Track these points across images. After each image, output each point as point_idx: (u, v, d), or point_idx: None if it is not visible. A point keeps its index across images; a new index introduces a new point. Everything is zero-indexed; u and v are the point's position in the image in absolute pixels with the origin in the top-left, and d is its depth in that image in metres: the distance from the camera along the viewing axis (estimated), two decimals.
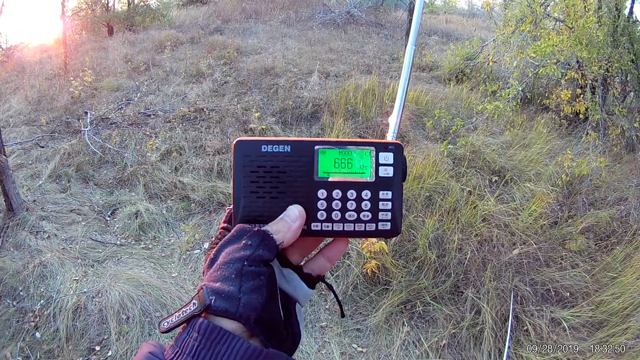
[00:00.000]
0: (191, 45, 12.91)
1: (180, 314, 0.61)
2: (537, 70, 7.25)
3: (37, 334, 4.23)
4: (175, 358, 0.57)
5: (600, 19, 7.29)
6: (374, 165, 0.75)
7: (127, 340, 4.15)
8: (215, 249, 0.68)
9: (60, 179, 6.99)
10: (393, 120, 0.86)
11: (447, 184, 6.02)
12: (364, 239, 4.63)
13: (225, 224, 0.78)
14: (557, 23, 8.24)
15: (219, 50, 11.68)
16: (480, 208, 5.69)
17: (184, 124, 8.23)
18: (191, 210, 6.31)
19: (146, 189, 6.67)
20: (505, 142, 7.36)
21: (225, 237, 0.69)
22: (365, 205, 0.74)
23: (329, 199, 0.74)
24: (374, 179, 0.75)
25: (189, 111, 8.54)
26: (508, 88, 6.86)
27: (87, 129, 8.00)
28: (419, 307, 4.72)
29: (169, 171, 6.98)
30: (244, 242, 0.66)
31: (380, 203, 0.75)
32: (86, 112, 8.72)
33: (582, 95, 7.55)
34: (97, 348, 4.13)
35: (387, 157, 0.75)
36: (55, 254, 5.23)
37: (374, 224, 0.75)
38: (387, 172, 0.75)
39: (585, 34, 6.90)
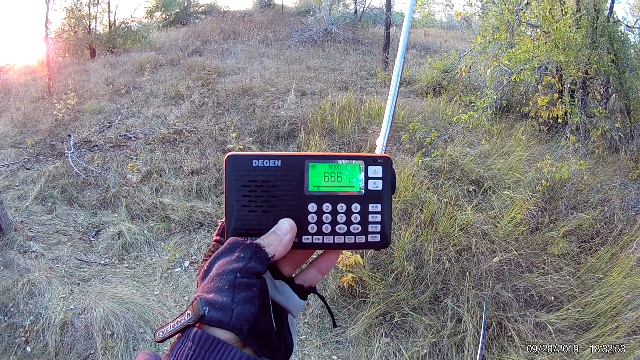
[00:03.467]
0: (171, 67, 13.68)
1: (175, 324, 0.68)
2: (511, 77, 7.58)
3: (28, 348, 4.64)
4: None
5: (578, 21, 7.72)
6: (363, 179, 0.82)
7: (112, 355, 4.58)
8: (208, 261, 0.76)
9: (46, 200, 7.54)
10: (382, 133, 0.92)
11: (424, 196, 6.42)
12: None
13: (218, 237, 0.85)
14: (533, 29, 8.66)
15: (198, 72, 12.37)
16: (459, 218, 6.08)
17: (164, 146, 8.82)
18: (171, 230, 6.82)
19: (128, 210, 7.20)
20: (484, 152, 7.80)
21: (219, 250, 0.76)
22: (355, 218, 0.81)
23: (320, 213, 0.81)
24: (363, 192, 0.82)
25: (169, 133, 9.15)
26: (483, 97, 7.26)
27: (71, 151, 8.57)
28: (397, 318, 5.08)
29: (150, 192, 7.51)
30: (236, 254, 0.72)
31: (370, 216, 0.81)
32: (69, 135, 9.30)
33: (560, 100, 7.90)
34: None
35: (376, 171, 0.82)
36: (43, 272, 5.70)
37: (364, 236, 0.81)
38: (376, 185, 0.82)
39: (562, 37, 7.30)
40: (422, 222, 5.99)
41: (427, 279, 5.35)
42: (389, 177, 0.82)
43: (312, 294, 0.87)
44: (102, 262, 6.24)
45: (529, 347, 4.74)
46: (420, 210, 6.20)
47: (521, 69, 7.25)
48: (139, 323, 4.95)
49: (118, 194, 7.47)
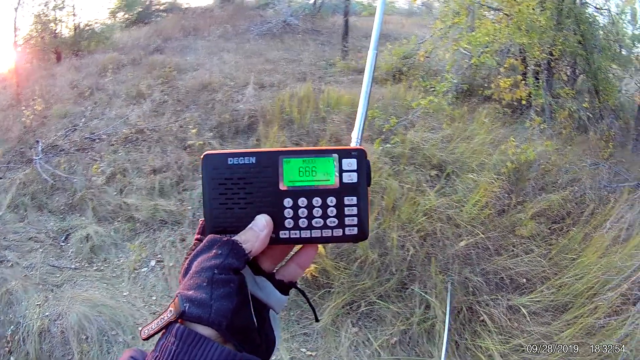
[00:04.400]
0: (133, 66, 13.76)
1: (158, 321, 0.71)
2: (471, 61, 7.64)
3: (12, 358, 4.82)
4: None
5: (543, 3, 7.92)
6: (337, 172, 0.84)
7: (89, 359, 4.79)
8: (188, 259, 0.78)
9: (18, 208, 7.72)
10: (356, 126, 0.95)
11: (385, 183, 6.56)
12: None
13: (199, 236, 0.87)
14: (495, 12, 8.77)
15: (159, 70, 12.55)
16: (422, 203, 6.22)
17: (127, 146, 9.00)
18: (136, 230, 7.02)
19: (94, 213, 7.37)
20: (446, 136, 7.98)
21: (197, 248, 0.78)
22: (331, 211, 0.83)
23: (295, 207, 0.83)
24: (338, 186, 0.84)
25: (131, 132, 9.34)
26: (443, 82, 7.36)
27: (39, 157, 8.76)
28: (364, 307, 5.19)
29: (115, 193, 7.70)
30: (214, 251, 0.75)
31: (346, 209, 0.84)
32: (37, 141, 9.44)
33: (523, 82, 8.01)
34: None
35: (350, 164, 0.84)
36: (19, 281, 5.86)
37: (341, 229, 0.84)
38: (351, 178, 0.84)
39: (525, 19, 7.46)
40: (383, 209, 6.11)
41: (392, 266, 5.45)
42: (364, 169, 0.84)
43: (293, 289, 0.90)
44: (73, 266, 6.48)
45: (503, 330, 4.82)
46: (382, 197, 6.30)
47: (482, 52, 7.30)
48: (110, 326, 5.16)
49: (84, 197, 7.66)
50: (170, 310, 0.71)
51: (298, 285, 0.91)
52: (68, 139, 9.57)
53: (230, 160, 0.84)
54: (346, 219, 0.84)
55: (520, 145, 6.91)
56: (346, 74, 11.87)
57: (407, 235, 5.73)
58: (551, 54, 8.20)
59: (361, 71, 11.53)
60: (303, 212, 0.83)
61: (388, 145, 7.23)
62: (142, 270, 6.27)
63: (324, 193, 0.84)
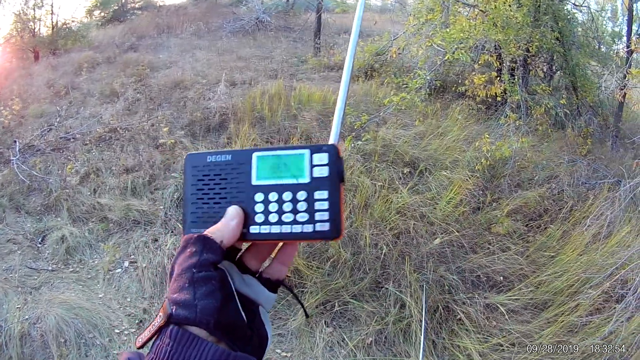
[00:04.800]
0: (107, 65, 13.83)
1: (151, 328, 0.73)
2: (445, 57, 7.64)
3: None
4: None
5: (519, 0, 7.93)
6: (308, 167, 0.84)
7: None
8: (171, 264, 0.79)
9: None
10: (333, 125, 0.93)
11: (357, 181, 6.54)
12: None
13: None
14: (470, 9, 8.79)
15: (132, 68, 12.60)
16: (394, 201, 6.23)
17: (100, 145, 8.98)
18: (110, 230, 6.97)
19: (69, 213, 7.32)
20: (418, 133, 8.06)
21: (177, 251, 0.79)
22: (302, 206, 0.83)
23: (266, 202, 0.84)
24: (309, 180, 0.83)
25: (104, 132, 9.33)
26: (415, 79, 7.38)
27: (16, 157, 8.72)
28: (338, 307, 5.17)
29: (89, 193, 7.65)
30: (189, 250, 0.76)
31: (317, 203, 0.82)
32: (15, 141, 9.39)
33: (498, 78, 8.03)
34: None
35: (321, 158, 0.83)
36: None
37: (312, 225, 0.82)
38: (322, 172, 0.83)
39: (501, 16, 7.53)
40: (356, 207, 6.09)
41: (365, 265, 5.45)
42: (336, 164, 0.83)
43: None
44: (50, 268, 6.45)
45: (482, 329, 4.85)
46: (354, 195, 6.30)
47: (456, 48, 7.28)
48: (87, 328, 5.15)
49: (59, 198, 7.65)
50: (160, 315, 0.72)
51: (286, 283, 0.92)
52: (44, 138, 9.57)
53: (209, 158, 0.89)
54: (317, 213, 0.82)
55: (495, 142, 6.92)
56: (318, 70, 11.94)
57: (380, 233, 5.74)
58: (527, 51, 8.23)
59: (333, 68, 11.72)
60: (274, 206, 0.83)
61: (359, 142, 7.24)
62: (117, 271, 6.24)
63: (295, 188, 0.84)
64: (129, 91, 11.03)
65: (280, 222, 0.83)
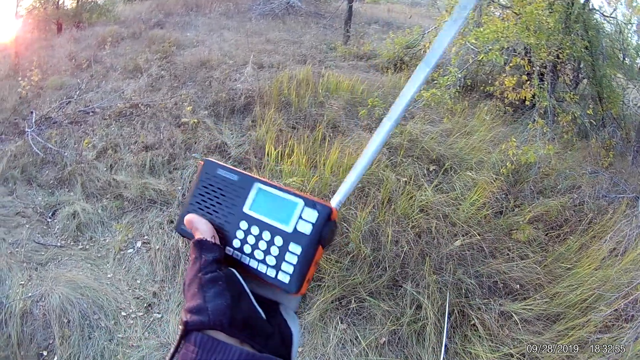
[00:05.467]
0: (132, 40, 13.71)
1: (175, 343, 0.72)
2: (478, 56, 7.54)
3: None
4: None
5: (552, 5, 7.86)
6: (296, 218, 0.84)
7: (69, 345, 4.68)
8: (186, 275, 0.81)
9: (7, 181, 7.61)
10: (341, 189, 0.89)
11: (382, 174, 6.44)
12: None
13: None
14: (503, 10, 8.66)
15: (158, 45, 12.46)
16: (418, 198, 6.13)
17: (120, 120, 8.82)
18: (124, 209, 6.84)
19: (83, 189, 7.24)
20: (445, 130, 7.93)
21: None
22: (274, 250, 0.84)
23: (247, 232, 0.86)
24: (291, 230, 0.84)
25: (125, 107, 9.17)
26: (447, 75, 7.29)
27: (32, 129, 8.62)
28: (354, 304, 5.06)
29: (105, 169, 7.54)
30: (191, 258, 0.79)
31: (287, 254, 0.83)
32: (31, 112, 9.31)
33: (528, 82, 7.93)
34: (45, 353, 4.67)
35: (310, 215, 0.83)
36: (4, 258, 5.76)
37: (275, 271, 0.83)
38: (305, 228, 0.83)
39: (534, 20, 7.39)
40: (379, 202, 5.98)
41: (384, 262, 5.35)
42: (320, 226, 0.82)
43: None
44: (58, 244, 6.36)
45: (494, 339, 4.76)
46: (378, 189, 6.14)
47: (489, 49, 7.18)
48: (93, 309, 5.09)
49: (74, 172, 7.54)
50: (180, 327, 0.72)
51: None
52: (62, 111, 9.42)
53: (219, 171, 0.93)
54: (283, 263, 0.83)
55: (521, 147, 6.79)
56: (347, 59, 11.73)
57: (402, 230, 5.63)
58: (557, 57, 8.11)
59: (362, 57, 11.65)
60: (251, 239, 0.86)
61: None
62: (128, 251, 6.13)
63: (275, 231, 0.85)
64: (153, 67, 10.89)
65: (250, 255, 0.85)
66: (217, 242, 0.84)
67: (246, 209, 0.88)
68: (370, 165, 0.99)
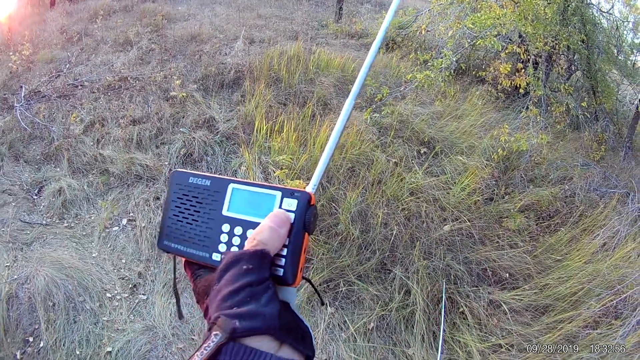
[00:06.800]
0: (124, 13, 13.46)
1: (203, 351, 0.67)
2: (474, 41, 7.46)
3: None
4: None
5: None
6: (277, 209, 0.84)
7: (55, 329, 4.55)
8: (204, 284, 0.83)
9: None
10: (316, 172, 0.92)
11: (372, 155, 6.32)
12: None
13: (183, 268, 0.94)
14: None
15: (149, 18, 12.29)
16: (408, 181, 6.02)
17: (109, 94, 8.64)
18: (110, 185, 6.69)
19: (69, 164, 7.06)
20: (436, 113, 7.83)
21: (219, 269, 0.77)
22: None
23: (231, 234, 0.86)
24: None
25: (114, 80, 8.99)
26: (441, 58, 7.21)
27: (20, 103, 8.46)
28: (342, 287, 4.92)
29: (91, 144, 7.36)
30: (244, 267, 0.74)
31: None
32: (21, 87, 9.14)
33: (523, 70, 7.85)
34: (31, 339, 4.53)
35: (290, 204, 0.83)
36: None
37: None
38: None
39: (532, 9, 7.36)
40: (369, 183, 5.83)
41: (373, 244, 5.23)
42: (303, 213, 0.82)
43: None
44: (44, 222, 6.22)
45: (483, 327, 4.70)
46: (368, 169, 5.97)
47: (486, 34, 7.07)
48: (78, 291, 4.98)
49: (61, 147, 7.39)
50: (216, 334, 0.68)
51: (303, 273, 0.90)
52: (51, 85, 9.23)
53: (191, 179, 0.92)
54: (274, 257, 0.82)
55: (513, 134, 6.70)
56: (338, 37, 11.65)
57: (391, 213, 5.50)
58: (554, 48, 8.03)
59: (353, 36, 11.59)
60: (236, 240, 0.86)
61: (376, 115, 7.02)
62: (113, 229, 5.98)
63: None
64: (144, 41, 10.75)
65: None
66: (276, 250, 0.81)
67: (225, 212, 0.88)
68: (335, 147, 0.97)
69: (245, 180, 0.88)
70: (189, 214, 0.91)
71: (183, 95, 7.94)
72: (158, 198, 6.21)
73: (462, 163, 6.57)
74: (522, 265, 5.36)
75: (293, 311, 0.82)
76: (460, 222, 5.62)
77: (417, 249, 5.10)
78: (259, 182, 0.87)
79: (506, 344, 4.48)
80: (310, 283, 0.95)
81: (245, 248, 0.78)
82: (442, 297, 4.79)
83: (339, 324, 4.64)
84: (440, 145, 6.94)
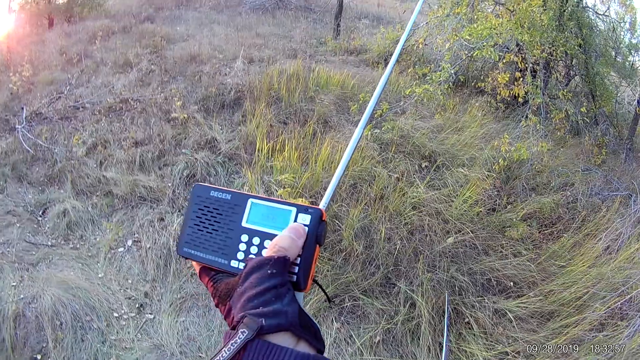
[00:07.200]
0: (123, 34, 13.61)
1: (229, 347, 0.73)
2: (471, 52, 7.49)
3: None
4: None
5: (546, 2, 7.84)
6: (292, 223, 0.92)
7: (63, 348, 4.59)
8: (225, 287, 0.88)
9: None
10: (327, 192, 1.03)
11: (374, 171, 6.36)
12: None
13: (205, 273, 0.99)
14: (497, 6, 8.61)
15: (148, 39, 12.39)
16: (410, 195, 6.06)
17: (110, 116, 8.73)
18: (114, 206, 6.75)
19: (73, 186, 7.13)
20: (437, 126, 7.86)
21: (244, 272, 0.85)
22: None
23: (249, 244, 0.94)
24: None
25: (115, 102, 9.07)
26: (439, 71, 7.26)
27: (22, 125, 8.54)
28: (347, 302, 4.96)
29: (94, 166, 7.45)
30: (269, 271, 0.82)
31: None
32: (22, 108, 9.20)
33: (521, 79, 7.88)
34: (39, 357, 4.56)
35: (304, 219, 0.91)
36: None
37: None
38: None
39: (528, 17, 7.38)
40: (371, 199, 5.90)
41: (377, 259, 5.27)
42: (315, 227, 0.90)
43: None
44: (49, 243, 6.26)
45: (489, 335, 4.70)
46: (370, 185, 6.05)
47: (483, 45, 7.10)
48: (85, 311, 5.01)
49: (64, 169, 7.47)
50: (243, 332, 0.74)
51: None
52: (52, 106, 9.30)
53: (212, 193, 1.01)
54: None
55: (513, 143, 6.73)
56: (337, 54, 11.67)
57: (394, 228, 5.55)
58: (551, 54, 8.05)
59: (352, 52, 11.62)
60: (254, 249, 0.93)
61: (377, 130, 7.07)
62: (119, 250, 6.03)
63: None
64: (144, 62, 10.81)
65: None
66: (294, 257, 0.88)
67: (244, 223, 0.95)
68: (345, 169, 1.09)
69: (264, 196, 0.95)
70: (209, 224, 0.98)
71: (184, 117, 8.00)
72: (162, 219, 6.26)
73: (463, 175, 6.59)
74: (527, 273, 5.37)
75: (305, 312, 0.88)
76: (463, 233, 5.64)
77: (421, 262, 5.14)
78: (276, 199, 0.95)
79: (512, 351, 4.48)
80: (318, 284, 1.02)
81: (267, 254, 0.86)
82: (448, 309, 4.83)
83: (345, 339, 4.68)
84: (441, 158, 6.96)
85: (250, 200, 0.96)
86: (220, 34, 12.86)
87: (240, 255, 0.93)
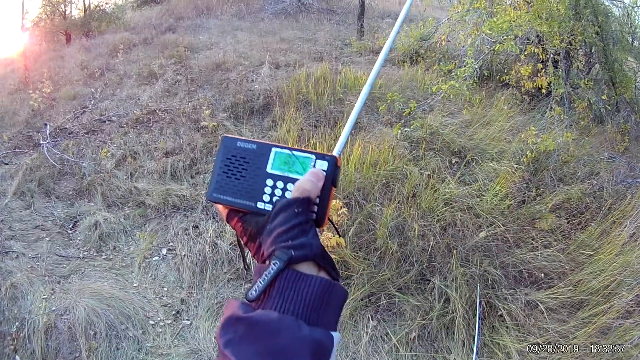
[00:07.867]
0: (144, 46, 13.70)
1: (264, 277, 0.82)
2: (493, 47, 7.50)
3: (17, 357, 4.60)
4: (263, 301, 0.81)
5: None
6: (311, 168, 1.00)
7: (97, 356, 4.60)
8: (255, 226, 0.97)
9: (24, 195, 7.52)
10: (339, 141, 1.08)
11: (405, 169, 6.40)
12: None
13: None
14: None
15: (171, 49, 12.40)
16: (441, 191, 6.08)
17: (138, 128, 8.78)
18: (147, 216, 6.79)
19: (104, 198, 7.19)
20: (464, 122, 7.84)
21: (273, 211, 0.93)
22: None
23: (273, 187, 1.01)
24: None
25: (142, 114, 9.12)
26: (463, 66, 7.25)
27: (47, 141, 8.60)
28: (383, 300, 5.02)
29: (125, 177, 7.49)
30: (295, 210, 0.90)
31: None
32: (45, 124, 9.29)
33: (543, 70, 7.87)
34: None
35: (322, 164, 0.99)
36: (25, 273, 5.69)
37: None
38: None
39: (545, 7, 7.33)
40: (404, 197, 5.95)
41: (412, 257, 5.31)
42: (332, 172, 0.99)
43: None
44: (81, 255, 6.29)
45: (521, 327, 4.72)
46: (402, 184, 6.13)
47: (504, 38, 7.13)
48: (120, 320, 5.02)
49: (93, 182, 7.52)
50: (275, 263, 0.82)
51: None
52: (77, 121, 9.42)
53: (239, 144, 1.07)
54: None
55: (539, 135, 6.76)
56: (362, 54, 11.59)
57: (427, 224, 5.58)
58: (570, 44, 8.02)
59: (377, 52, 11.45)
60: (278, 192, 1.01)
61: (406, 129, 7.10)
62: (153, 259, 6.10)
63: (296, 181, 1.00)
64: (168, 72, 10.84)
65: None
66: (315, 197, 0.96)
67: (269, 169, 1.03)
68: (357, 117, 1.15)
69: (285, 145, 1.04)
70: (237, 171, 1.05)
71: (214, 125, 8.07)
72: (197, 227, 6.30)
73: (493, 169, 6.61)
74: (557, 263, 5.37)
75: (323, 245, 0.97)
76: (494, 227, 5.66)
77: (454, 258, 5.17)
78: (297, 147, 1.03)
79: (543, 342, 4.52)
80: (330, 221, 1.07)
81: (292, 196, 0.94)
82: (480, 302, 4.90)
83: (381, 336, 4.75)
84: (471, 153, 6.97)
85: (274, 149, 1.04)
86: (244, 41, 12.86)
87: (266, 198, 1.01)
